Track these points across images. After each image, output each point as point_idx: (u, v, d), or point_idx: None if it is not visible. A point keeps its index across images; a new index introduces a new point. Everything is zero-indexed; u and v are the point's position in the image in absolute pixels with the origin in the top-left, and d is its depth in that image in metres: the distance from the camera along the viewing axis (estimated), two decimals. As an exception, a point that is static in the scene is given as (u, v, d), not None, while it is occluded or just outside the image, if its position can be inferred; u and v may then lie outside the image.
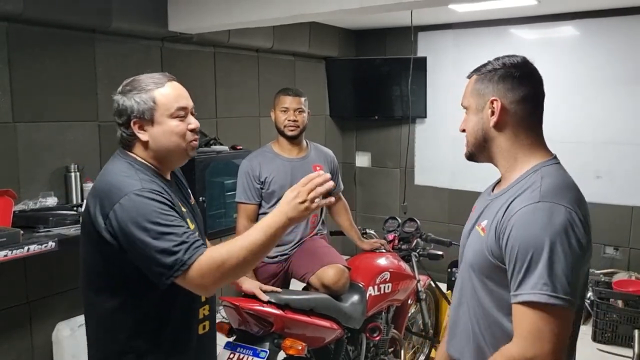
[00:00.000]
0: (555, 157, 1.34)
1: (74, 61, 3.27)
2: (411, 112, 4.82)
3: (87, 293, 1.53)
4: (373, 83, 5.25)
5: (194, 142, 1.54)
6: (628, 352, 3.45)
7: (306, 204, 1.36)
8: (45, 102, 3.15)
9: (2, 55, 2.93)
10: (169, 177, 1.58)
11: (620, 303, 3.80)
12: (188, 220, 1.52)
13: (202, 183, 3.46)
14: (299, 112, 2.74)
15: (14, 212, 2.71)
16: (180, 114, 1.50)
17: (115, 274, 1.45)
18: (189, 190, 1.73)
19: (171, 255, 1.33)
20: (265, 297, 2.13)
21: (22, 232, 2.56)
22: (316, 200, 1.36)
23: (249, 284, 2.13)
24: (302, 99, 2.77)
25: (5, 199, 2.61)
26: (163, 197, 1.41)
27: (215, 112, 4.25)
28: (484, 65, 1.36)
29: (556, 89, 4.41)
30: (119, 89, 1.54)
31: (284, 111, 2.73)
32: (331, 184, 1.38)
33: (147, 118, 1.47)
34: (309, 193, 1.36)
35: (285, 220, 1.36)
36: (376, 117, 5.37)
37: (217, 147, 3.79)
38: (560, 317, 1.16)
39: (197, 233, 1.47)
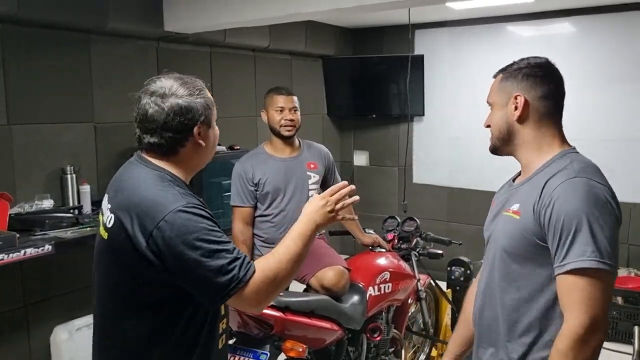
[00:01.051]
0: (575, 148, 1.44)
1: (69, 62, 3.24)
2: (409, 110, 4.80)
3: (113, 318, 1.43)
4: (370, 81, 5.23)
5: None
6: (628, 348, 3.44)
7: (333, 213, 1.44)
8: (41, 104, 3.12)
9: (-4, 57, 2.91)
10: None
11: (620, 300, 3.79)
12: None
13: (199, 184, 3.44)
14: (294, 110, 2.72)
15: (10, 215, 2.68)
16: (215, 118, 1.48)
17: (149, 297, 1.36)
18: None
19: (227, 273, 1.28)
20: None
21: (18, 235, 2.54)
22: (340, 214, 1.45)
23: None
24: (295, 98, 2.76)
25: (0, 202, 2.59)
26: (207, 212, 1.35)
27: (212, 112, 4.22)
28: (510, 65, 1.47)
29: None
30: (159, 90, 1.38)
31: (279, 111, 2.71)
32: (356, 198, 1.48)
33: (207, 122, 1.41)
34: (336, 203, 1.44)
35: (314, 227, 1.43)
36: (374, 116, 5.35)
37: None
38: (606, 281, 1.25)
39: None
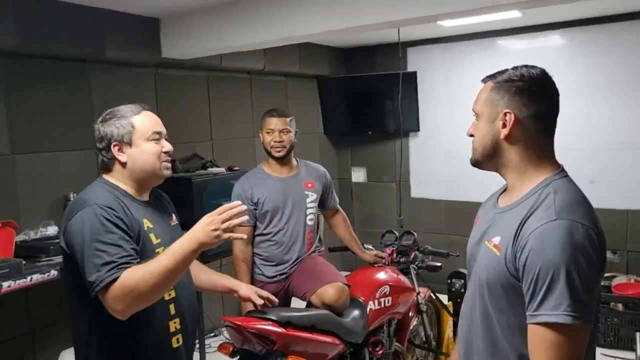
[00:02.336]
0: (563, 169, 1.33)
1: (70, 91, 3.32)
2: (403, 126, 4.88)
3: (68, 311, 1.65)
4: (365, 99, 5.32)
5: (167, 162, 1.70)
6: (631, 355, 3.46)
7: (218, 232, 1.44)
8: (43, 133, 3.19)
9: (-1, 89, 2.99)
10: (146, 198, 1.72)
11: (620, 306, 3.81)
12: (152, 235, 1.64)
13: (199, 205, 3.49)
14: (285, 132, 2.77)
15: (16, 242, 2.73)
16: (156, 137, 1.67)
17: (78, 286, 1.52)
18: (173, 214, 1.86)
19: (96, 271, 1.43)
20: (260, 301, 2.06)
21: (24, 262, 2.59)
22: (226, 234, 1.45)
23: (245, 289, 2.08)
24: (288, 119, 2.81)
25: (6, 230, 2.64)
26: (115, 214, 1.52)
27: (210, 135, 4.30)
28: (501, 73, 1.32)
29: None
30: (99, 118, 1.70)
31: (269, 133, 2.77)
32: (244, 218, 1.48)
33: (126, 141, 1.64)
34: (223, 222, 1.45)
35: (196, 245, 1.45)
36: (370, 133, 5.42)
37: (214, 169, 3.83)
38: (580, 335, 1.15)
39: (161, 249, 1.59)
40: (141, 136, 1.64)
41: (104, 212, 1.51)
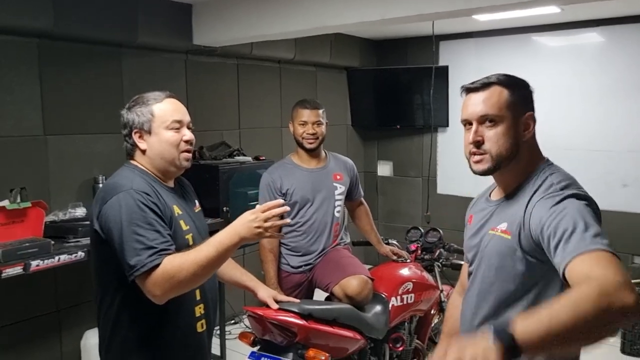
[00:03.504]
0: (548, 159, 1.42)
1: (102, 75, 3.36)
2: (433, 121, 4.81)
3: (96, 294, 1.66)
4: (394, 92, 5.26)
5: (187, 153, 1.68)
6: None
7: (260, 229, 1.47)
8: (75, 115, 3.24)
9: (33, 70, 3.03)
10: (172, 185, 1.73)
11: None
12: (182, 221, 1.65)
13: (225, 193, 3.51)
14: (317, 124, 2.75)
15: (45, 222, 2.78)
16: (175, 126, 1.65)
17: (112, 270, 1.54)
18: (196, 200, 1.87)
19: (136, 256, 1.43)
20: (275, 306, 2.11)
21: (52, 242, 2.63)
22: (269, 230, 1.47)
23: (264, 292, 2.13)
24: (320, 111, 2.79)
25: (37, 210, 2.69)
26: (150, 200, 1.53)
27: (238, 123, 4.31)
28: (502, 77, 1.37)
29: (581, 96, 4.36)
30: (126, 105, 1.70)
31: (302, 124, 2.75)
32: (287, 221, 1.51)
33: (145, 129, 1.64)
34: (265, 220, 1.47)
35: (237, 239, 1.47)
36: (398, 127, 5.37)
37: (241, 158, 3.84)
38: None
39: (190, 236, 1.63)
40: (161, 124, 1.63)
41: (140, 197, 1.51)
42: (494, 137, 1.34)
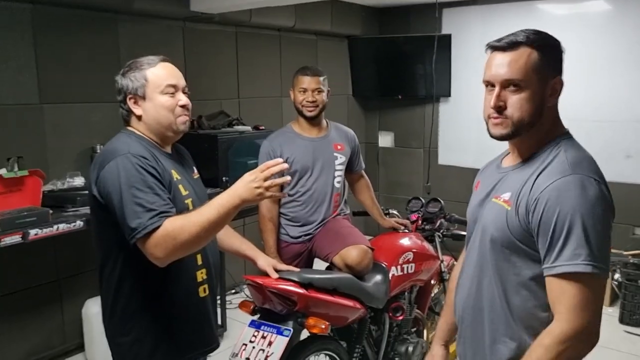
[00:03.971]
0: (568, 131, 1.33)
1: (98, 42, 3.30)
2: (435, 91, 4.74)
3: (97, 256, 1.65)
4: (396, 62, 5.18)
5: (183, 117, 1.65)
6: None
7: (260, 189, 1.44)
8: (71, 84, 3.19)
9: (27, 37, 2.97)
10: (169, 151, 1.71)
11: (648, 285, 3.73)
12: (181, 186, 1.64)
13: (225, 163, 3.47)
14: (318, 92, 2.71)
15: (43, 191, 2.76)
16: (170, 90, 1.62)
17: (112, 235, 1.54)
18: (194, 167, 1.85)
19: (137, 218, 1.42)
20: (275, 275, 2.10)
21: (51, 211, 2.62)
22: (268, 192, 1.44)
23: (264, 260, 2.12)
24: (321, 78, 2.73)
25: (34, 178, 2.67)
26: (148, 164, 1.52)
27: (237, 93, 4.25)
28: (530, 35, 1.25)
29: (585, 65, 4.29)
30: (120, 71, 1.66)
31: (302, 92, 2.71)
32: (287, 178, 1.49)
33: (139, 94, 1.61)
34: (265, 180, 1.44)
35: (238, 202, 1.44)
36: (399, 97, 5.30)
37: (240, 127, 3.80)
38: (599, 284, 1.17)
39: (189, 201, 1.63)
40: (155, 89, 1.61)
41: (138, 160, 1.50)
42: (517, 103, 1.24)
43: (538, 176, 1.23)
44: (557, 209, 1.16)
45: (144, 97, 1.61)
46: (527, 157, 1.30)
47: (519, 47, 1.24)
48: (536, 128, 1.27)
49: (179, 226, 1.42)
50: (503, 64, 1.25)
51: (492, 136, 1.31)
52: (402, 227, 2.95)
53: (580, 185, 1.17)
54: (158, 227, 1.41)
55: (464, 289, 1.44)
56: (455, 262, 3.18)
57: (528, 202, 1.22)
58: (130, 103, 1.63)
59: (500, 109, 1.26)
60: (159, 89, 1.61)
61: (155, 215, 1.43)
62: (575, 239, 1.15)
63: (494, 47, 1.28)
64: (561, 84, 1.26)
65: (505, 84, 1.25)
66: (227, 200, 1.44)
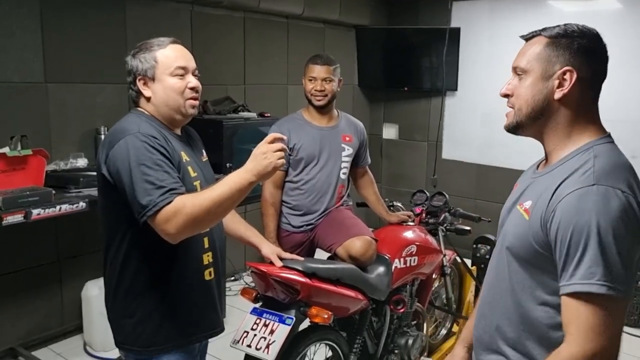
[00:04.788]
0: (609, 135, 1.22)
1: (105, 23, 3.26)
2: (444, 84, 4.71)
3: (103, 238, 1.64)
4: (404, 53, 5.14)
5: (193, 100, 1.64)
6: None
7: (271, 160, 1.44)
8: (77, 64, 3.16)
9: (34, 16, 2.94)
10: (178, 133, 1.70)
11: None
12: (190, 167, 1.63)
13: (229, 149, 3.45)
14: (328, 81, 2.68)
15: (46, 172, 2.74)
16: (180, 72, 1.61)
17: (120, 215, 1.54)
18: (203, 150, 1.84)
19: (147, 196, 1.41)
20: (279, 263, 2.09)
21: (54, 191, 2.60)
22: (279, 160, 1.45)
23: (268, 248, 2.10)
24: (332, 67, 2.70)
25: (38, 158, 2.65)
26: (158, 143, 1.51)
27: (243, 79, 4.22)
28: (555, 28, 1.21)
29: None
30: (130, 52, 1.65)
31: (312, 80, 2.68)
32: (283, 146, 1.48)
33: (149, 75, 1.60)
34: (275, 151, 1.45)
35: (251, 177, 1.43)
36: (405, 89, 5.27)
37: (245, 114, 3.77)
38: (616, 307, 1.08)
39: (197, 183, 1.62)
40: (164, 71, 1.59)
41: (147, 139, 1.49)
42: (517, 90, 1.23)
43: (561, 184, 1.14)
44: (574, 221, 1.08)
45: (153, 79, 1.60)
46: (555, 162, 1.22)
47: (535, 36, 1.24)
48: (545, 123, 1.22)
49: (190, 202, 1.41)
50: (519, 53, 1.25)
51: (504, 128, 1.30)
52: (409, 220, 2.94)
53: (602, 196, 1.08)
54: (169, 204, 1.40)
55: (485, 295, 1.39)
56: (457, 257, 3.18)
57: (546, 212, 1.14)
58: (139, 84, 1.61)
59: (507, 96, 1.27)
60: (168, 70, 1.59)
61: (166, 192, 1.42)
62: (591, 256, 1.06)
63: (524, 38, 1.28)
64: (572, 77, 1.17)
65: (516, 72, 1.25)
66: (241, 177, 1.44)
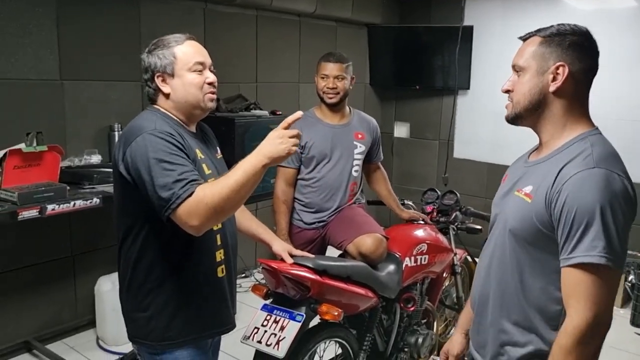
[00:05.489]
0: (598, 129, 1.35)
1: (120, 21, 3.29)
2: (457, 82, 4.69)
3: (118, 233, 1.66)
4: (416, 52, 5.13)
5: (211, 94, 1.66)
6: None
7: (287, 145, 1.45)
8: (91, 61, 3.19)
9: (50, 14, 2.97)
10: (193, 130, 1.72)
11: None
12: (204, 165, 1.65)
13: (241, 147, 3.47)
14: (340, 79, 2.68)
15: (61, 168, 2.77)
16: (198, 68, 1.63)
17: (136, 212, 1.57)
18: (217, 147, 1.86)
19: (169, 190, 1.42)
20: (290, 260, 2.10)
21: (68, 187, 2.63)
22: (294, 146, 1.46)
23: (279, 245, 2.12)
24: (344, 65, 2.71)
25: (53, 154, 2.68)
26: (174, 139, 1.52)
27: (255, 77, 4.24)
28: (547, 28, 1.33)
29: (610, 63, 4.21)
30: (146, 49, 1.66)
31: (324, 78, 2.69)
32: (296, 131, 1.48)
33: (168, 72, 1.61)
34: (291, 137, 1.46)
35: (265, 160, 1.44)
36: (417, 87, 5.26)
37: (257, 112, 3.79)
38: (612, 278, 1.21)
39: (212, 179, 1.58)
40: (183, 67, 1.60)
41: (164, 135, 1.50)
42: (516, 85, 1.36)
43: (563, 168, 1.25)
44: (577, 200, 1.19)
45: (172, 75, 1.61)
46: (552, 150, 1.34)
47: (531, 37, 1.37)
48: (542, 114, 1.33)
49: (210, 192, 1.41)
50: (517, 52, 1.38)
51: (505, 119, 1.42)
52: (421, 220, 2.93)
53: (604, 179, 1.20)
54: (190, 195, 1.41)
55: (480, 277, 1.49)
56: (467, 256, 3.18)
57: (551, 192, 1.25)
58: (158, 81, 1.62)
59: (508, 91, 1.39)
60: (187, 66, 1.61)
61: (186, 184, 1.43)
62: (594, 231, 1.18)
63: (521, 39, 1.41)
64: (566, 70, 1.28)
65: (515, 69, 1.37)
66: (254, 161, 1.44)
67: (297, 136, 1.48)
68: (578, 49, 1.29)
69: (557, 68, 1.29)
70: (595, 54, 1.32)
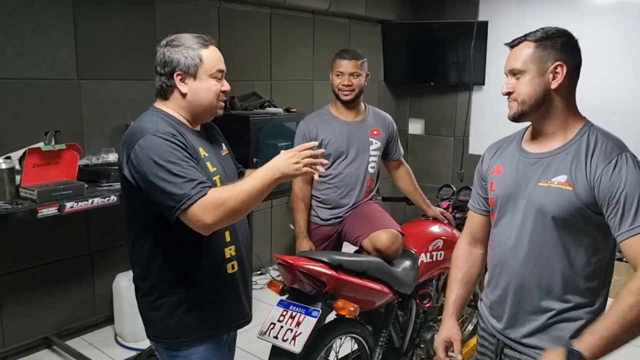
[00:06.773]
0: (586, 117, 1.52)
1: (135, 20, 3.32)
2: (472, 78, 4.66)
3: (128, 234, 1.69)
4: (430, 48, 5.11)
5: (222, 102, 1.69)
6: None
7: (299, 165, 1.50)
8: (108, 61, 3.23)
9: (67, 14, 3.01)
10: (197, 128, 1.72)
11: None
12: (209, 163, 1.65)
13: (256, 144, 3.48)
14: (355, 76, 2.68)
15: (79, 166, 2.81)
16: (219, 75, 1.65)
17: (143, 215, 1.59)
18: (223, 144, 1.86)
19: (180, 190, 1.44)
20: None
21: (86, 185, 2.67)
22: (305, 167, 1.51)
23: (304, 244, 2.15)
24: (359, 62, 2.70)
25: (71, 152, 2.71)
26: (176, 139, 1.53)
27: (270, 75, 4.25)
28: (535, 32, 1.47)
29: (626, 57, 4.16)
30: (163, 42, 1.64)
31: (339, 75, 2.69)
32: (324, 161, 1.55)
33: (191, 72, 1.60)
34: (304, 158, 1.51)
35: (278, 174, 1.50)
36: (432, 84, 5.23)
37: (272, 109, 3.80)
38: None
39: (217, 178, 1.64)
40: (207, 71, 1.61)
41: (167, 136, 1.51)
42: (519, 87, 1.48)
43: (592, 157, 1.42)
44: (623, 182, 1.36)
45: (194, 77, 1.60)
46: (565, 142, 1.48)
47: (521, 42, 1.50)
48: (546, 109, 1.47)
49: (226, 193, 1.45)
50: (512, 57, 1.51)
51: (509, 118, 1.56)
52: (446, 220, 2.90)
53: (632, 160, 1.40)
54: (203, 197, 1.43)
55: (516, 264, 1.55)
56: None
57: (591, 181, 1.40)
58: (176, 79, 1.60)
59: (509, 94, 1.52)
60: (210, 71, 1.61)
61: (198, 185, 1.44)
62: None
63: (509, 45, 1.55)
64: (564, 68, 1.43)
65: (512, 73, 1.50)
66: (267, 173, 1.50)
67: (313, 157, 1.52)
68: (569, 48, 1.46)
69: (556, 67, 1.44)
70: (580, 50, 1.48)
